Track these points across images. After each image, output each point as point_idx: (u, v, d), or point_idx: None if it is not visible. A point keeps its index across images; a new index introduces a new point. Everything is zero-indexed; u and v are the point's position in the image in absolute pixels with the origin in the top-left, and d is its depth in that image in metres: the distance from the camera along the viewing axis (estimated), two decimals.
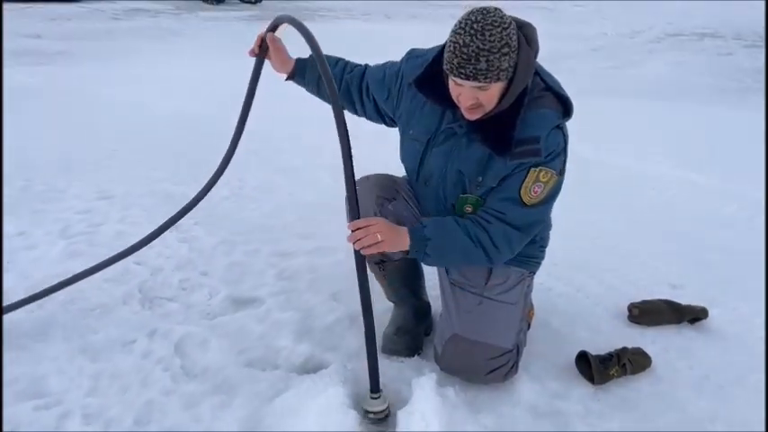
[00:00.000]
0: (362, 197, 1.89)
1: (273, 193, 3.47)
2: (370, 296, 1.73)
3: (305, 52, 1.91)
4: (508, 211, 1.72)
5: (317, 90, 2.08)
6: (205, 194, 2.23)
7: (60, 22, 11.44)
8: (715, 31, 11.92)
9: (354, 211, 1.71)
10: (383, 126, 2.12)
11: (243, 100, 2.11)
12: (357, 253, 1.69)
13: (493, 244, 1.72)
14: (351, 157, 1.66)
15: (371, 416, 1.73)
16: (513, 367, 1.89)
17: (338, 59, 2.11)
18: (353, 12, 14.82)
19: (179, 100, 5.63)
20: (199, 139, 4.45)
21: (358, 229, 1.66)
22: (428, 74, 1.77)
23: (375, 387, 1.74)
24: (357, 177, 2.01)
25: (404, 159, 1.96)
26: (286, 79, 2.14)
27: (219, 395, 1.83)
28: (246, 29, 11.27)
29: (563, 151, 1.73)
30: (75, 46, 8.63)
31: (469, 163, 1.75)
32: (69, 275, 2.45)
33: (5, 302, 2.24)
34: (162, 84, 6.37)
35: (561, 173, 1.74)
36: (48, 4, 13.64)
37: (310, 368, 1.98)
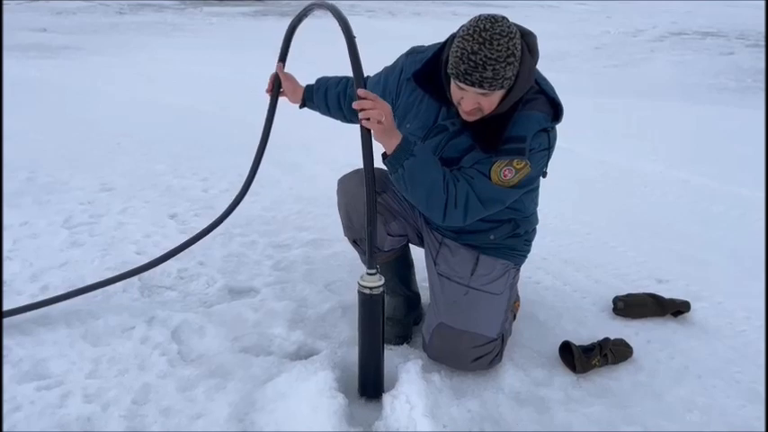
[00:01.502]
0: (354, 189, 1.96)
1: (273, 187, 3.53)
2: (374, 173, 1.66)
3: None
4: (476, 179, 1.75)
5: (328, 111, 2.23)
6: (215, 227, 2.39)
7: (66, 16, 11.54)
8: (718, 30, 11.93)
9: (360, 81, 1.64)
10: None
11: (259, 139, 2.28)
12: (362, 126, 1.63)
13: (455, 200, 1.74)
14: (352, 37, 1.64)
15: (367, 291, 1.72)
16: (498, 356, 1.96)
17: (340, 78, 2.22)
18: (357, 8, 14.88)
19: (182, 94, 5.71)
20: (201, 134, 4.54)
21: (367, 100, 1.61)
22: (427, 70, 1.83)
23: (372, 264, 1.73)
24: (350, 171, 2.08)
25: None
26: (300, 107, 2.30)
27: (214, 379, 1.90)
28: (251, 24, 11.35)
29: (545, 150, 1.78)
30: (80, 40, 8.73)
31: (453, 151, 1.82)
32: (70, 264, 2.54)
33: (9, 289, 2.33)
34: (165, 78, 6.45)
35: (537, 169, 1.79)
36: None
37: (302, 355, 2.05)
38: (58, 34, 9.29)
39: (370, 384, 1.84)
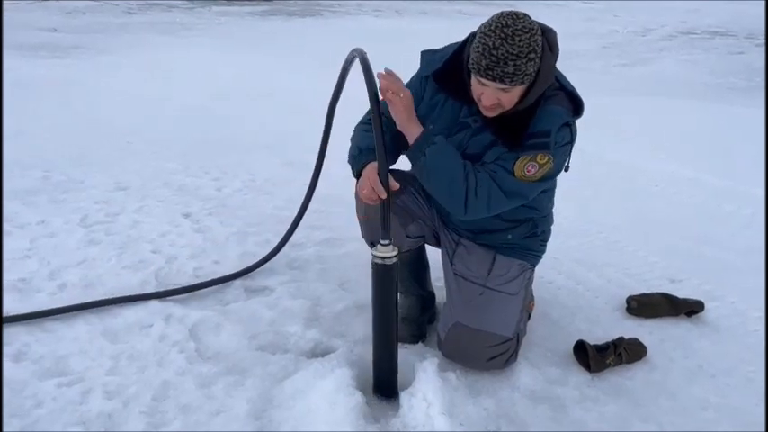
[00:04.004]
0: None
1: (285, 185, 3.56)
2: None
3: None
4: (498, 173, 1.77)
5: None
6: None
7: (75, 16, 11.60)
8: (727, 29, 11.90)
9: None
10: None
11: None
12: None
13: (475, 191, 1.76)
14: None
15: (378, 260, 1.70)
16: (513, 355, 1.97)
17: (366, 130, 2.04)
18: (364, 7, 14.88)
19: (191, 93, 5.74)
20: (210, 133, 4.56)
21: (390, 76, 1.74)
22: (447, 68, 1.83)
23: (385, 234, 1.69)
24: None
25: None
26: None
27: (232, 376, 1.92)
28: (259, 24, 11.37)
29: (568, 145, 1.81)
30: (89, 40, 8.77)
31: (476, 147, 1.83)
32: (88, 262, 2.57)
33: (28, 287, 2.36)
34: (173, 77, 6.48)
35: (559, 164, 1.80)
36: None
37: (318, 353, 2.07)
38: (68, 34, 9.33)
39: (384, 367, 1.83)
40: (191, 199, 3.31)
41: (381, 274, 1.73)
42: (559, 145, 1.76)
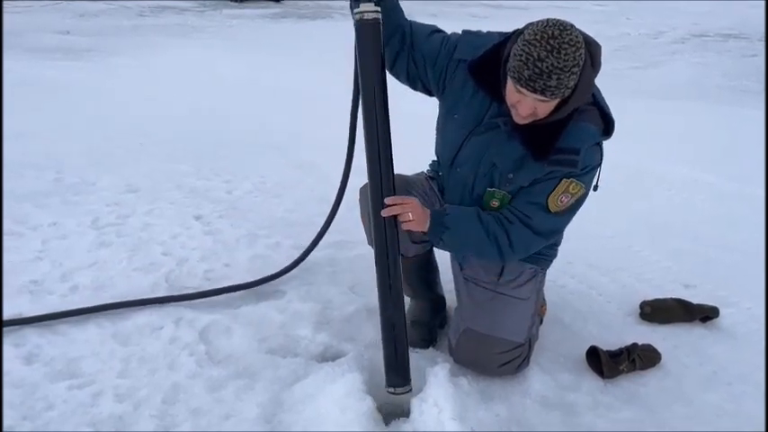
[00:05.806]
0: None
1: (295, 188, 3.55)
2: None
3: None
4: (534, 216, 1.77)
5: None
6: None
7: (88, 18, 11.67)
8: (740, 32, 11.80)
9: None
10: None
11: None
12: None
13: (509, 243, 1.78)
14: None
15: (357, 16, 1.62)
16: (525, 360, 1.96)
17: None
18: None
19: (202, 95, 5.75)
20: (221, 135, 4.56)
21: (395, 206, 1.71)
22: (484, 62, 1.76)
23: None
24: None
25: (442, 141, 1.97)
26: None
27: (242, 379, 1.92)
28: (269, 26, 11.40)
29: (597, 167, 1.79)
30: (102, 42, 8.81)
31: (505, 159, 1.79)
32: (99, 264, 2.58)
33: (40, 289, 2.37)
34: (186, 79, 6.50)
35: (588, 187, 1.79)
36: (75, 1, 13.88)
37: (329, 357, 2.06)
38: (81, 36, 9.38)
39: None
40: (201, 201, 3.31)
41: (361, 32, 1.60)
42: (589, 168, 1.75)
